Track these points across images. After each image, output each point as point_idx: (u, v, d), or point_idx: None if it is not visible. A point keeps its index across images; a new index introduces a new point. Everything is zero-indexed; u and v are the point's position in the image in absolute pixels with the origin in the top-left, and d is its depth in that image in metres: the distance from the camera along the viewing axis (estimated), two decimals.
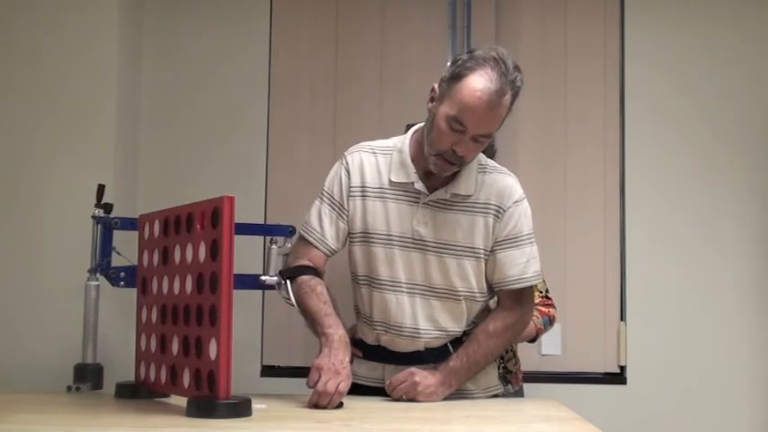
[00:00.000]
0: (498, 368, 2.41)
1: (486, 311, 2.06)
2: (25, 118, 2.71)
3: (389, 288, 1.97)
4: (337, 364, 1.79)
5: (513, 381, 2.45)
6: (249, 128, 3.02)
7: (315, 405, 1.77)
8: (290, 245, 2.11)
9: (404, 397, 1.91)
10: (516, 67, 1.86)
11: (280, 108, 3.04)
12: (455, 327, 2.00)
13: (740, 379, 2.91)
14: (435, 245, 1.95)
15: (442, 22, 3.03)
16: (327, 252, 2.02)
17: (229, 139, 3.01)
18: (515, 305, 2.00)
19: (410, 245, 1.96)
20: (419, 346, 1.99)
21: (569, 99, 3.02)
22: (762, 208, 2.96)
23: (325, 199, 2.03)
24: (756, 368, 2.92)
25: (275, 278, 2.05)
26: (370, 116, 2.99)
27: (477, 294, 2.00)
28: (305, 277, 1.97)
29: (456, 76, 1.84)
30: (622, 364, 2.94)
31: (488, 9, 3.01)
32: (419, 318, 1.97)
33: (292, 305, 1.97)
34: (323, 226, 2.01)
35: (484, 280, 2.00)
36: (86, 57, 2.73)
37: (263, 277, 2.06)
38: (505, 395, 2.39)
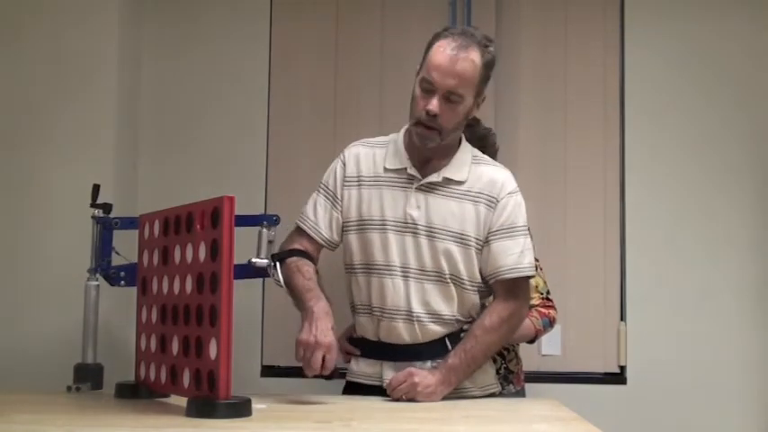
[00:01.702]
0: (500, 368, 2.41)
1: (482, 308, 2.06)
2: (25, 118, 2.71)
3: (386, 272, 2.00)
4: (319, 335, 1.82)
5: (514, 381, 2.45)
6: (249, 128, 3.02)
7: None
8: (273, 232, 2.12)
9: (404, 397, 1.91)
10: (487, 38, 1.97)
11: (280, 108, 3.04)
12: (447, 311, 2.00)
13: (740, 379, 2.91)
14: (426, 228, 1.98)
15: (442, 23, 3.02)
16: (320, 240, 2.07)
17: (230, 138, 3.01)
18: (510, 297, 2.01)
19: (403, 228, 1.99)
20: (416, 333, 1.99)
21: (569, 98, 3.02)
22: (761, 208, 2.96)
23: (321, 190, 2.10)
24: (756, 368, 2.92)
25: (265, 261, 2.04)
26: (369, 116, 2.99)
27: (466, 281, 2.00)
28: (293, 258, 2.02)
29: (428, 48, 1.96)
30: (622, 364, 2.94)
31: (488, 10, 3.01)
32: (413, 301, 1.99)
33: (281, 287, 1.99)
34: (317, 215, 2.07)
35: (475, 268, 2.01)
36: (86, 56, 2.73)
37: (253, 260, 2.06)
38: (507, 395, 2.39)
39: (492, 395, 2.09)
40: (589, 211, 2.99)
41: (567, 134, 3.01)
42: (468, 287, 2.01)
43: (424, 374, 1.92)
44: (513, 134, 2.97)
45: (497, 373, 2.40)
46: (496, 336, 2.00)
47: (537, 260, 2.42)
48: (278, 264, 1.99)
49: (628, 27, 3.03)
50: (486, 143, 2.36)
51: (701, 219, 2.96)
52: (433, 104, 1.91)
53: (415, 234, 1.99)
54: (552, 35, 3.04)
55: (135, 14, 2.94)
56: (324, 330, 1.83)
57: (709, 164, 2.97)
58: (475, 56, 1.92)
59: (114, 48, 2.76)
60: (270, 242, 2.09)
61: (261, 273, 2.06)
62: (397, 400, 1.91)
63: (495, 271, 2.00)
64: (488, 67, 1.96)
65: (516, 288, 2.02)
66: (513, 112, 3.00)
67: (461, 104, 1.94)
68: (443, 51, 1.91)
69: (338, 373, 1.87)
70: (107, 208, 2.19)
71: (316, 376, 1.83)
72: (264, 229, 2.10)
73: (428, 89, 1.92)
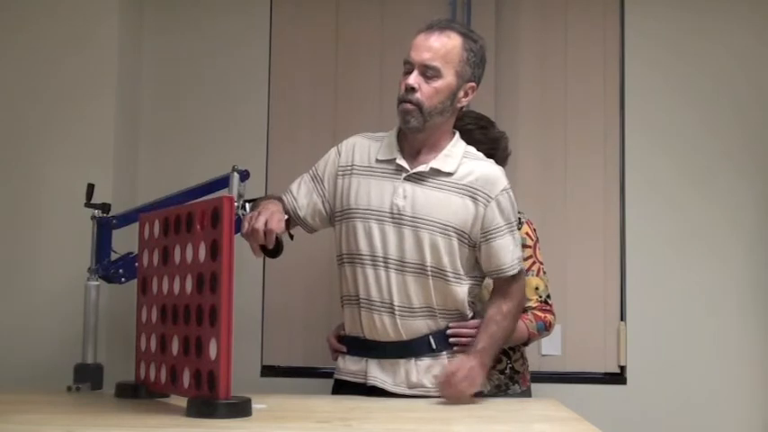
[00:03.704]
0: (505, 368, 2.40)
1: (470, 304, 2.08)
2: (25, 116, 2.71)
3: (369, 263, 2.01)
4: (261, 209, 1.91)
5: (520, 381, 2.44)
6: (249, 123, 3.01)
7: (260, 249, 1.90)
8: (244, 186, 2.17)
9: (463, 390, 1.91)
10: (472, 31, 2.06)
11: (280, 103, 3.04)
12: (427, 304, 2.01)
13: (740, 379, 2.91)
14: (412, 218, 1.99)
15: None
16: (293, 216, 2.11)
17: (229, 133, 3.00)
18: (514, 289, 2.07)
19: (386, 218, 2.00)
20: (398, 328, 1.99)
21: (569, 99, 3.02)
22: (761, 208, 2.95)
23: (311, 171, 2.16)
24: (756, 368, 2.91)
25: (235, 204, 2.05)
26: (369, 115, 2.98)
27: (449, 273, 2.01)
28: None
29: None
30: (622, 364, 2.94)
31: (488, 9, 3.01)
32: (394, 293, 1.99)
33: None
34: (299, 193, 2.13)
35: (458, 260, 2.01)
36: (86, 51, 2.72)
37: None
38: (513, 395, 2.39)
39: (480, 393, 2.09)
40: (589, 211, 2.98)
41: (567, 134, 3.01)
42: (452, 279, 2.02)
43: (464, 371, 1.91)
44: (514, 135, 2.95)
45: (503, 373, 2.40)
46: (512, 323, 2.07)
47: (541, 263, 2.42)
48: (247, 204, 2.04)
49: (627, 25, 3.02)
50: (497, 146, 2.36)
51: (701, 219, 2.95)
52: (411, 78, 1.97)
53: (399, 224, 2.00)
54: (552, 34, 3.03)
55: (135, 8, 2.93)
56: (267, 206, 1.93)
57: (710, 164, 2.97)
58: (452, 35, 1.99)
59: (114, 43, 2.75)
60: (240, 195, 2.13)
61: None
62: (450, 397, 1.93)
63: (498, 267, 2.04)
64: (473, 52, 2.00)
65: (518, 279, 2.08)
66: (513, 113, 3.00)
67: (440, 80, 1.97)
68: (420, 31, 2.02)
69: (289, 234, 1.98)
70: (105, 208, 2.20)
71: (263, 251, 1.90)
72: (236, 173, 2.13)
73: (408, 70, 2.00)
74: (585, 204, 2.99)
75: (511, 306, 2.05)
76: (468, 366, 1.92)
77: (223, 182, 2.22)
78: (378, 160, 2.06)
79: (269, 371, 2.98)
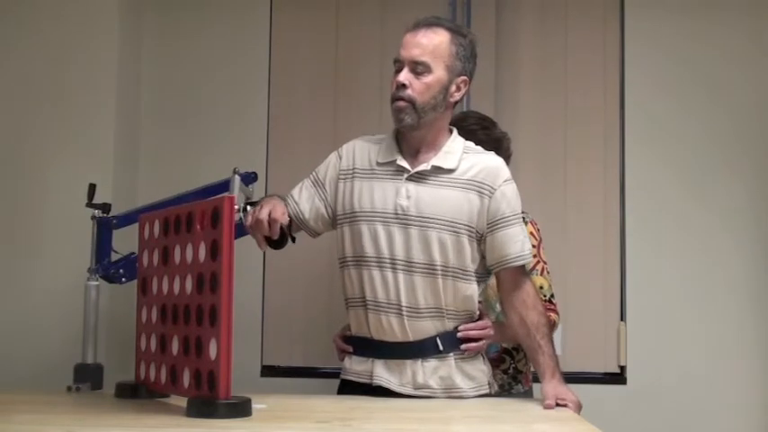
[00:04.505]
0: (508, 368, 2.41)
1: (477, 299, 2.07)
2: (25, 116, 2.71)
3: (375, 264, 2.01)
4: (264, 203, 1.96)
5: (523, 381, 2.44)
6: (249, 123, 3.01)
7: (265, 241, 1.96)
8: (252, 189, 2.19)
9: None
10: (461, 26, 2.10)
11: (280, 104, 3.04)
12: (436, 304, 2.00)
13: (740, 379, 2.91)
14: (418, 218, 1.99)
15: None
16: (296, 221, 2.11)
17: (230, 133, 3.00)
18: (524, 279, 2.05)
19: (392, 219, 2.00)
20: (405, 328, 1.99)
21: (569, 99, 3.02)
22: (759, 211, 2.96)
23: (311, 176, 2.15)
24: (756, 368, 2.92)
25: (236, 206, 2.05)
26: (370, 116, 2.99)
27: (458, 271, 2.01)
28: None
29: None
30: (622, 364, 2.94)
31: (488, 9, 3.01)
32: (402, 294, 1.99)
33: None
34: (301, 196, 2.12)
35: (467, 257, 2.01)
36: (86, 52, 2.72)
37: None
38: (516, 395, 2.39)
39: (486, 395, 2.09)
40: (589, 211, 2.99)
41: (567, 133, 3.01)
42: (461, 276, 2.01)
43: (563, 392, 1.94)
44: (514, 137, 2.93)
45: (506, 372, 2.40)
46: (546, 318, 2.09)
47: (545, 263, 2.42)
48: (248, 206, 2.04)
49: (627, 26, 3.02)
50: (500, 146, 2.36)
51: (699, 221, 2.95)
52: (401, 75, 1.98)
53: (405, 225, 1.99)
54: (552, 34, 3.03)
55: (135, 9, 2.93)
56: (269, 200, 1.99)
57: (708, 168, 2.97)
58: (439, 31, 2.00)
59: (114, 44, 2.75)
60: (248, 198, 2.14)
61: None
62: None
63: (502, 259, 2.02)
64: (463, 46, 2.01)
65: (524, 270, 2.07)
66: (513, 115, 3.00)
67: (430, 75, 1.98)
68: (409, 28, 2.04)
69: (291, 237, 2.02)
70: (106, 208, 2.20)
71: (268, 243, 1.95)
72: (237, 176, 2.13)
73: (398, 68, 2.00)
74: (585, 205, 2.99)
75: (531, 298, 2.04)
76: (570, 397, 1.93)
77: (226, 185, 2.21)
78: (378, 163, 2.06)
79: (269, 371, 2.98)
